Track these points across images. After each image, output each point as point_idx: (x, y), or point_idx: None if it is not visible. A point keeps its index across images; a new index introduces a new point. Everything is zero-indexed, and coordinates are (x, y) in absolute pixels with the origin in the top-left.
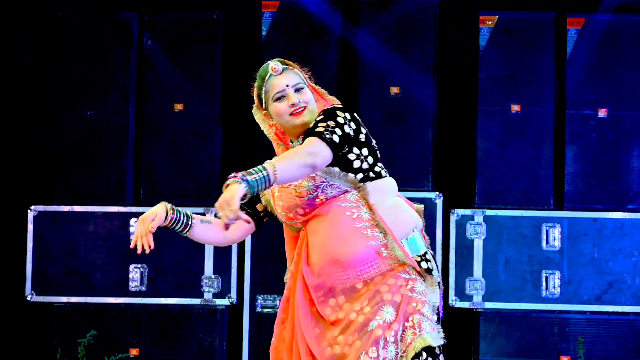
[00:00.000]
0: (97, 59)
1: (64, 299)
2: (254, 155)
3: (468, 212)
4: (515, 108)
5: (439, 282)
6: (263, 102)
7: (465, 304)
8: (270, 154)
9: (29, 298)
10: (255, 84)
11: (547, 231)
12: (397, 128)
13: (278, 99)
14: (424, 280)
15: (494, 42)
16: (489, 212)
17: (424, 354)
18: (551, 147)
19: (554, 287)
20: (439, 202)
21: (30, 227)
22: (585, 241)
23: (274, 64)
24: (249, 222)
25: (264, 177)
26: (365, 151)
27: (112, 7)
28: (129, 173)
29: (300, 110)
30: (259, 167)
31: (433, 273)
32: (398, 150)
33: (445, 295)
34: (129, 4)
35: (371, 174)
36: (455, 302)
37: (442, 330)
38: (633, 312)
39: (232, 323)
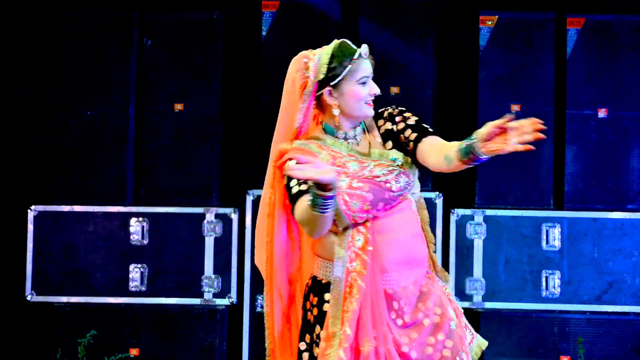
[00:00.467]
0: (97, 59)
1: (64, 299)
2: (254, 156)
3: (468, 212)
4: (515, 108)
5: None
6: (334, 78)
7: (465, 304)
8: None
9: (29, 298)
10: (331, 58)
11: (547, 231)
12: None
13: (363, 82)
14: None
15: (494, 42)
16: (489, 212)
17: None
18: (551, 147)
19: (554, 287)
20: (439, 202)
21: (30, 227)
22: (585, 241)
23: (364, 48)
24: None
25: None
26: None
27: (112, 7)
28: (129, 173)
29: (372, 102)
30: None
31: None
32: None
33: None
34: (129, 4)
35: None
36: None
37: None
38: (633, 312)
39: (232, 323)
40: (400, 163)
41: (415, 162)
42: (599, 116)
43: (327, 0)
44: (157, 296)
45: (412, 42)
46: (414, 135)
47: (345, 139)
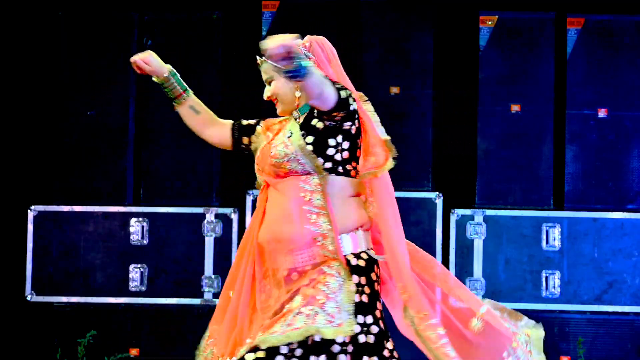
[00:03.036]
0: (97, 59)
1: (64, 299)
2: (254, 155)
3: (468, 212)
4: (515, 108)
5: (371, 282)
6: None
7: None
8: None
9: (29, 298)
10: None
11: (547, 231)
12: (397, 128)
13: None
14: (345, 280)
15: (494, 42)
16: (489, 212)
17: (321, 346)
18: (551, 147)
19: (554, 287)
20: (439, 202)
21: (30, 227)
22: (585, 241)
23: (258, 59)
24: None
25: (305, 66)
26: (346, 145)
27: (113, 7)
28: (129, 173)
29: (274, 102)
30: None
31: (364, 273)
32: (398, 150)
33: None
34: (129, 4)
35: (339, 169)
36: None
37: (350, 331)
38: (633, 312)
39: None
40: (289, 135)
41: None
42: (599, 116)
43: (327, 0)
44: (157, 296)
45: (412, 42)
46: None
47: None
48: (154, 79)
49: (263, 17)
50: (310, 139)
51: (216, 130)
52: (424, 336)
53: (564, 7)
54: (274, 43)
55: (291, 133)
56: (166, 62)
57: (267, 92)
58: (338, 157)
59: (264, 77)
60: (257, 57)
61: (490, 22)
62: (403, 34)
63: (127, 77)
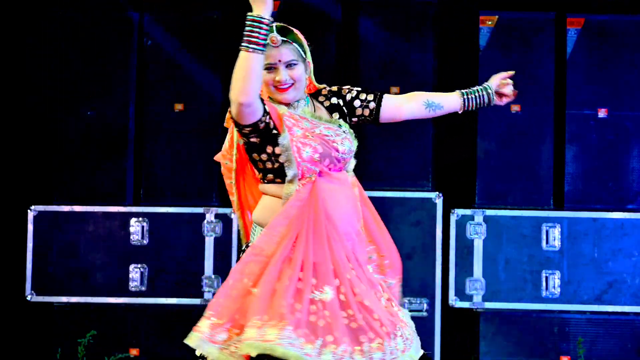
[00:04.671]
0: (97, 59)
1: (64, 299)
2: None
3: (468, 212)
4: (515, 108)
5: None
6: None
7: (465, 304)
8: None
9: (29, 298)
10: None
11: (547, 231)
12: (397, 128)
13: (268, 69)
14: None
15: (494, 42)
16: (489, 212)
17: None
18: (551, 147)
19: (554, 287)
20: (439, 202)
21: (30, 227)
22: (585, 241)
23: (274, 36)
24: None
25: None
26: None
27: (113, 7)
28: (129, 173)
29: (286, 87)
30: None
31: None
32: (398, 150)
33: (445, 295)
34: (129, 4)
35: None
36: (455, 302)
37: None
38: (633, 312)
39: None
40: (345, 130)
41: (376, 120)
42: (599, 116)
43: (327, 0)
44: (157, 296)
45: (412, 42)
46: (371, 95)
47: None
48: None
49: None
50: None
51: None
52: None
53: (564, 7)
54: None
55: (341, 125)
56: (166, 62)
57: (285, 76)
58: None
59: (286, 58)
60: (276, 36)
61: (490, 22)
62: (403, 34)
63: (127, 77)
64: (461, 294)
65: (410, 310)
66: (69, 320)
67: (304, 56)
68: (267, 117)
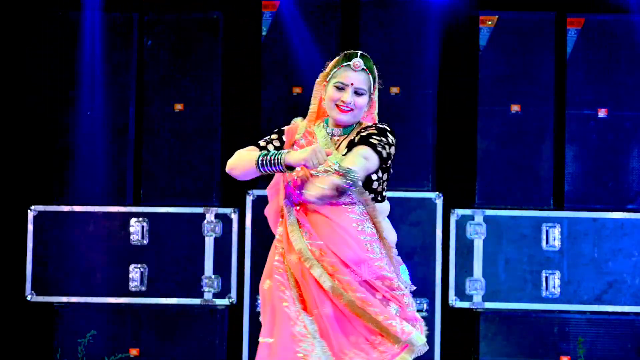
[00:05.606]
0: (97, 59)
1: (64, 299)
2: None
3: (468, 212)
4: (515, 108)
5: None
6: (329, 77)
7: (465, 304)
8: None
9: (29, 298)
10: (337, 59)
11: (547, 231)
12: (397, 128)
13: (338, 87)
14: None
15: (494, 42)
16: (489, 212)
17: None
18: (551, 147)
19: (554, 287)
20: (439, 202)
21: (30, 227)
22: (585, 241)
23: (357, 61)
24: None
25: (349, 176)
26: (385, 177)
27: (113, 7)
28: (129, 173)
29: (346, 109)
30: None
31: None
32: (398, 150)
33: (445, 295)
34: (129, 4)
35: (379, 197)
36: (455, 302)
37: None
38: (633, 312)
39: (232, 323)
40: (336, 168)
41: None
42: (599, 116)
43: (327, 0)
44: (157, 296)
45: (411, 42)
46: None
47: (331, 135)
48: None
49: (263, 17)
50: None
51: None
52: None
53: (564, 7)
54: (326, 185)
55: (336, 162)
56: (166, 62)
57: (351, 99)
58: (379, 189)
59: (359, 85)
60: (359, 62)
61: (490, 22)
62: (403, 34)
63: (127, 77)
64: (461, 294)
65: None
66: (69, 320)
67: (372, 91)
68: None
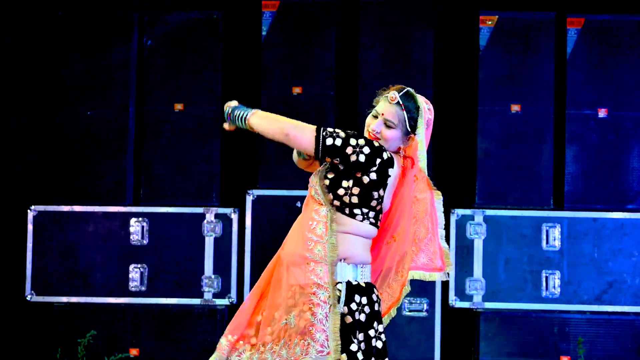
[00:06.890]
0: (97, 59)
1: (64, 299)
2: (254, 155)
3: (468, 212)
4: (515, 108)
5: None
6: (375, 104)
7: (465, 304)
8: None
9: (28, 298)
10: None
11: (547, 231)
12: None
13: (374, 116)
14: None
15: (494, 42)
16: (489, 212)
17: None
18: (551, 147)
19: (554, 287)
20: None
21: (30, 227)
22: (585, 241)
23: (393, 94)
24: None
25: (242, 115)
26: (355, 190)
27: (112, 7)
28: (129, 173)
29: (374, 137)
30: (250, 109)
31: (365, 293)
32: None
33: (445, 295)
34: (129, 4)
35: (346, 210)
36: (455, 302)
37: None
38: (633, 312)
39: None
40: (318, 176)
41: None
42: (599, 116)
43: (327, 0)
44: (157, 296)
45: (412, 42)
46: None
47: None
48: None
49: (263, 17)
50: (330, 175)
51: None
52: None
53: (564, 7)
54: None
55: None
56: (166, 62)
57: (378, 128)
58: (346, 199)
59: (389, 117)
60: (394, 95)
61: (490, 22)
62: (403, 34)
63: (127, 77)
64: (461, 294)
65: (410, 311)
66: (69, 320)
67: (408, 129)
68: None
